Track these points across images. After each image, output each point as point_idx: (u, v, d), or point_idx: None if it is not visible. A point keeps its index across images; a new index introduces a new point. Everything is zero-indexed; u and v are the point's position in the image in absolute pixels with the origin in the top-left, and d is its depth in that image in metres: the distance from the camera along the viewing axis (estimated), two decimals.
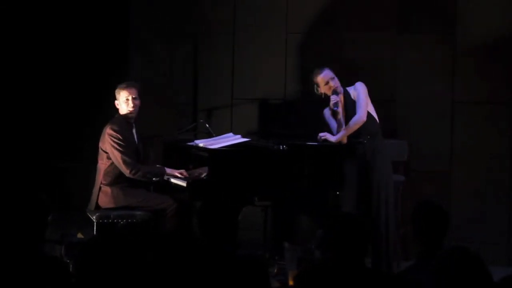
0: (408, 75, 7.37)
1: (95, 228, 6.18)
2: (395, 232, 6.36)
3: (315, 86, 6.54)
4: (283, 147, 6.15)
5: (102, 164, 6.33)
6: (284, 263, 6.40)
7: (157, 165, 6.51)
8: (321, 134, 6.40)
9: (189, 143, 6.64)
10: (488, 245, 6.91)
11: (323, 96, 6.51)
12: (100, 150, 6.35)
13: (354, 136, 6.40)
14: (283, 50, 7.71)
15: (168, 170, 6.37)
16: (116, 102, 6.40)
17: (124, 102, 6.35)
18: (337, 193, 6.43)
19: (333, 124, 6.51)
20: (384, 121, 7.04)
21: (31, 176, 7.60)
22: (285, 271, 6.28)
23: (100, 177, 6.33)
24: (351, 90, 6.54)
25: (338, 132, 6.42)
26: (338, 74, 7.02)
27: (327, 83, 6.47)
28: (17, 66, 7.80)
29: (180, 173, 6.34)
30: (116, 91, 6.39)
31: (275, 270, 6.40)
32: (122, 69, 7.85)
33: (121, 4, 7.90)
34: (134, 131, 6.45)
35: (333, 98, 6.41)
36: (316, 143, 6.43)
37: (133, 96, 6.35)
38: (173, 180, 6.33)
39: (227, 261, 3.89)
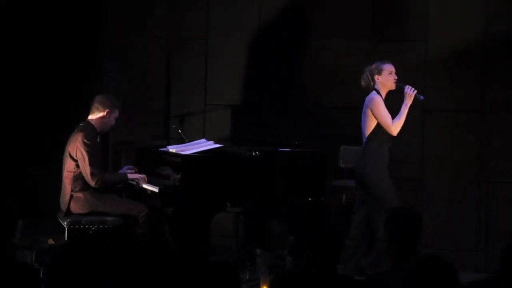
0: None
1: (66, 234, 6.14)
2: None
3: (368, 74, 6.36)
4: (255, 153, 6.15)
5: (70, 173, 6.25)
6: (255, 269, 6.40)
7: (119, 172, 6.51)
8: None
9: (161, 149, 6.63)
10: (459, 251, 6.96)
11: (372, 85, 6.34)
12: (68, 156, 6.26)
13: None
14: (256, 56, 7.72)
15: (130, 175, 6.38)
16: (106, 110, 6.30)
17: (115, 119, 6.37)
18: (309, 199, 6.44)
19: (383, 107, 6.28)
20: (356, 128, 7.06)
21: (1, 182, 7.54)
22: (256, 277, 6.28)
23: (68, 185, 6.25)
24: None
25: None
26: (311, 80, 7.08)
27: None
28: None
29: (142, 178, 6.33)
30: (111, 104, 6.33)
31: (247, 276, 6.40)
32: (95, 76, 7.82)
33: (94, 11, 7.87)
34: (98, 138, 6.43)
35: (411, 88, 6.26)
36: (288, 149, 6.44)
37: None
38: (144, 186, 6.31)
39: (198, 267, 3.88)
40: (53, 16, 7.82)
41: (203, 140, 6.69)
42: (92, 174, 6.16)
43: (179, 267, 3.89)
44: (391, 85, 6.38)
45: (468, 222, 7.22)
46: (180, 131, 7.02)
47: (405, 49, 7.35)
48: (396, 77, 6.36)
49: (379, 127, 6.32)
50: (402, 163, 7.31)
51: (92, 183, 6.17)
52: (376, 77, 6.37)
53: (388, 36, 7.42)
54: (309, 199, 6.44)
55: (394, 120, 6.30)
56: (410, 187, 7.31)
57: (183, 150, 6.35)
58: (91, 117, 6.36)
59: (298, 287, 3.85)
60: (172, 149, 6.46)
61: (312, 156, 6.46)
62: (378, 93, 6.35)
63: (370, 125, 6.35)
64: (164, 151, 6.55)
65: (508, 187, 7.12)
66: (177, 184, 6.11)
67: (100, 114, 6.33)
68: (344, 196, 7.23)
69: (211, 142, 6.58)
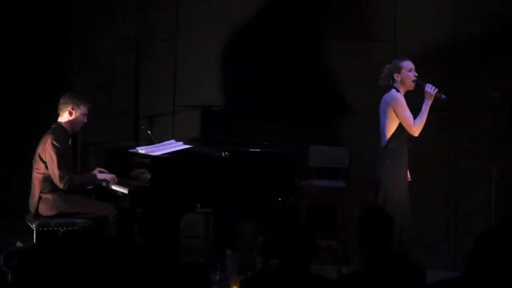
0: (349, 82, 7.42)
1: (34, 236, 6.10)
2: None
3: (387, 72, 6.25)
4: (225, 153, 6.15)
5: (39, 174, 6.23)
6: (226, 269, 6.40)
7: (89, 173, 6.48)
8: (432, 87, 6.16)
9: (130, 150, 6.60)
10: (427, 249, 7.00)
11: (391, 83, 6.23)
12: (38, 158, 6.25)
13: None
14: (225, 56, 7.72)
15: (99, 176, 6.34)
16: (68, 109, 6.30)
17: (83, 115, 6.33)
18: (279, 199, 6.43)
19: (406, 107, 6.18)
20: (326, 128, 7.10)
21: None
22: (227, 278, 6.28)
23: (37, 187, 6.24)
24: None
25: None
26: (280, 80, 7.06)
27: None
28: None
29: (111, 178, 6.30)
30: (74, 100, 6.31)
31: (217, 277, 6.40)
32: (63, 77, 7.77)
33: (61, 11, 7.81)
34: (70, 140, 6.40)
35: (432, 86, 6.15)
36: (258, 150, 6.44)
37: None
38: (114, 187, 6.28)
39: (168, 269, 3.87)
40: (19, 17, 7.76)
41: (173, 141, 6.68)
42: (60, 177, 6.14)
43: (150, 268, 3.88)
44: (410, 84, 6.23)
45: (436, 220, 7.27)
46: (149, 132, 6.99)
47: (374, 49, 7.38)
48: (416, 74, 6.24)
49: (401, 127, 6.20)
50: (372, 161, 7.33)
51: (61, 186, 6.15)
52: (395, 75, 6.24)
53: (356, 35, 7.45)
54: (279, 199, 6.44)
55: (415, 120, 6.17)
56: None
57: (152, 151, 6.32)
58: (60, 119, 6.35)
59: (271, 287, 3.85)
60: (142, 150, 6.43)
61: (282, 157, 6.45)
62: (398, 91, 6.24)
63: (391, 125, 6.22)
64: (133, 152, 6.52)
65: (476, 186, 7.18)
66: (146, 185, 6.09)
67: (66, 114, 6.32)
68: (314, 196, 7.25)
69: (181, 143, 6.57)
